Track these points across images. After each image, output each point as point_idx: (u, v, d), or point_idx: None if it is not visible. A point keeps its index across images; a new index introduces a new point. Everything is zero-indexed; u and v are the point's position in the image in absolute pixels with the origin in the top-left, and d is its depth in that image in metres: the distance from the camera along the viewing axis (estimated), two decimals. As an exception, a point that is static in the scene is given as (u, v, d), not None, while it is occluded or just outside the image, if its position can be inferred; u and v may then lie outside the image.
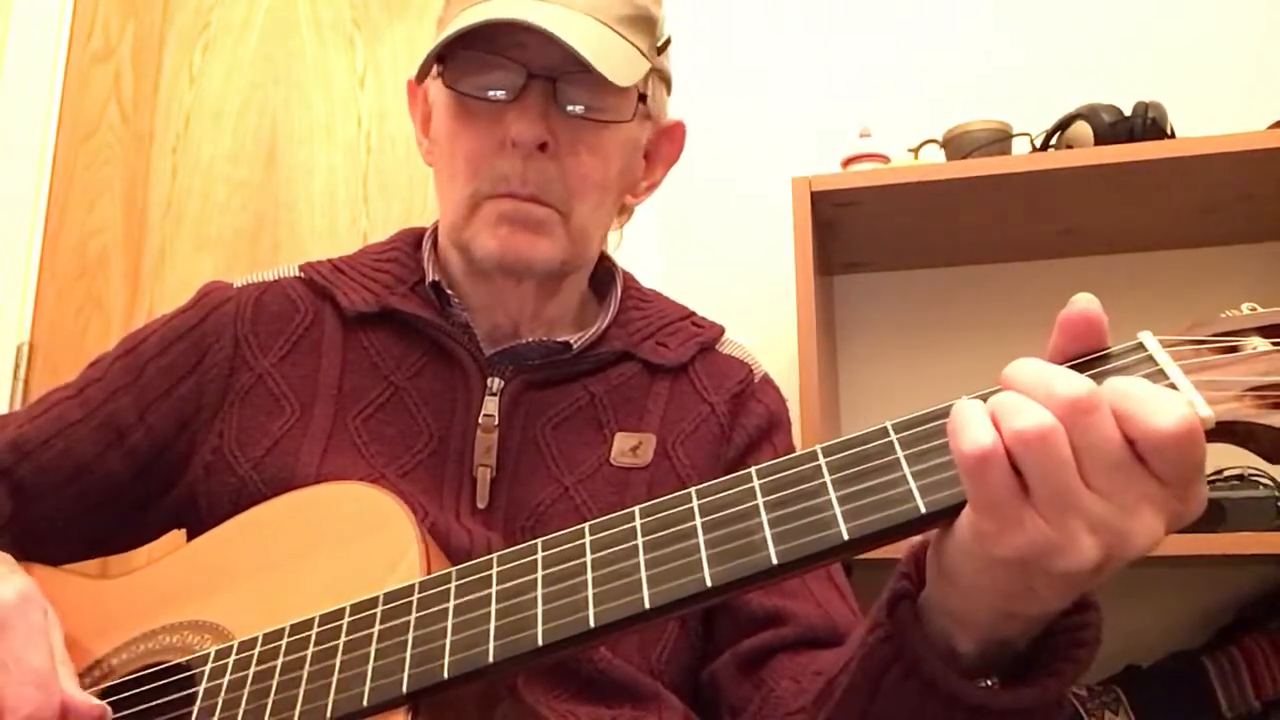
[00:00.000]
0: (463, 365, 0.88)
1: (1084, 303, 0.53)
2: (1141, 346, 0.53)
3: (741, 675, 0.82)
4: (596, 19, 0.83)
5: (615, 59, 0.82)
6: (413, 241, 0.97)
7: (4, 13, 2.06)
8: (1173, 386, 0.50)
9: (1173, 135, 1.40)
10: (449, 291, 0.90)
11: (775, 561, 0.53)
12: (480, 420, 0.86)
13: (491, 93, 0.84)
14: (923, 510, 0.52)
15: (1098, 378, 0.49)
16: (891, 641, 0.58)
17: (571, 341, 0.89)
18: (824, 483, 0.55)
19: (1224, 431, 0.49)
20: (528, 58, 0.82)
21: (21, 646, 0.64)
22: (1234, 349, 0.52)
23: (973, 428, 0.48)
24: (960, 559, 0.53)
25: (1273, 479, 1.30)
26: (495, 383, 0.87)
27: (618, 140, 0.88)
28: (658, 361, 0.91)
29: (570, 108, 0.84)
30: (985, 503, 0.49)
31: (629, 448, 0.87)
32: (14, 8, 2.07)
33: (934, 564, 0.56)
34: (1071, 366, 0.52)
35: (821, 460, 0.56)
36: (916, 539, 0.58)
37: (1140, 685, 1.40)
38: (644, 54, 0.86)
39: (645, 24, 0.87)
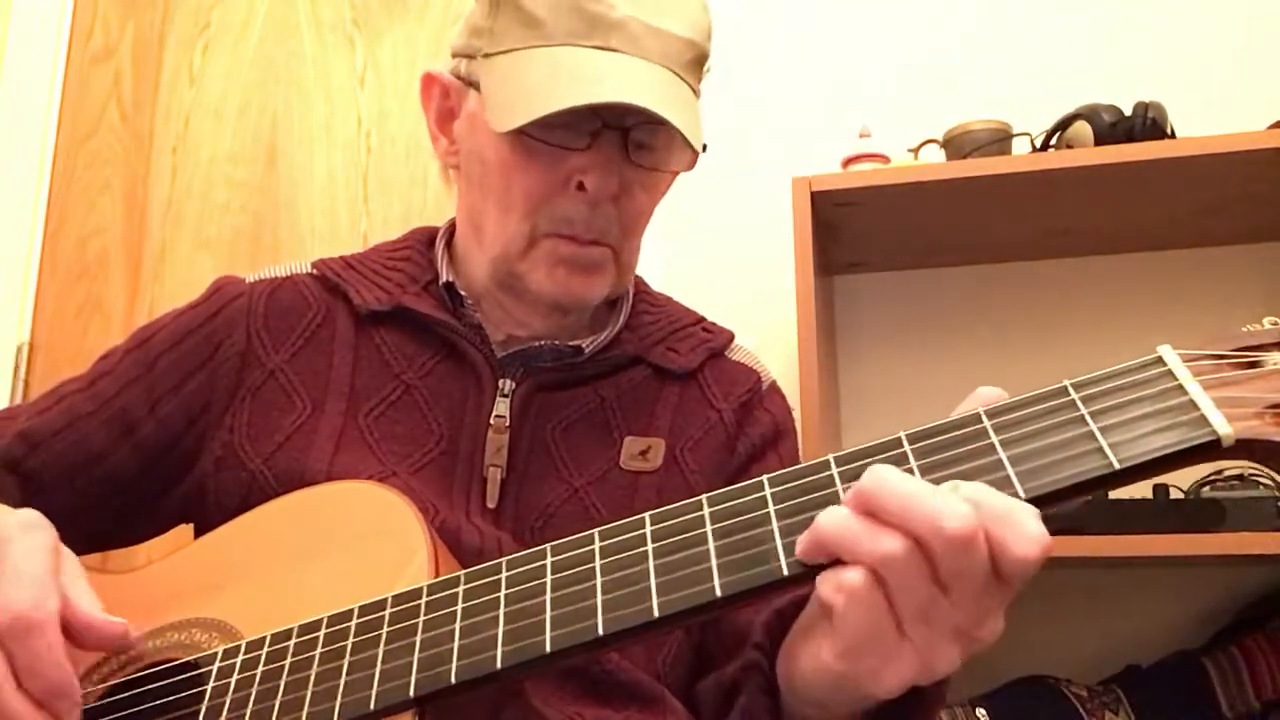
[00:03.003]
0: (474, 366, 0.88)
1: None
2: (1161, 361, 0.52)
3: (724, 705, 0.80)
4: (668, 68, 0.82)
5: (690, 116, 0.82)
6: (425, 241, 0.97)
7: (4, 13, 2.06)
8: (1192, 404, 0.50)
9: (1173, 135, 1.41)
10: (462, 293, 0.91)
11: (786, 573, 0.53)
12: (491, 421, 0.86)
13: (564, 142, 0.81)
14: None
15: (1115, 392, 0.49)
16: None
17: (583, 345, 0.90)
18: (836, 491, 0.54)
19: (1243, 448, 0.49)
20: (599, 104, 0.80)
21: (20, 559, 0.63)
22: (1255, 364, 0.52)
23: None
24: (827, 691, 0.58)
25: (1273, 479, 1.30)
26: (507, 384, 0.87)
27: (667, 178, 0.90)
28: (668, 367, 0.91)
29: (641, 160, 0.84)
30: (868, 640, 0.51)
31: (638, 451, 0.87)
32: (14, 8, 2.06)
33: (785, 685, 0.62)
34: (1091, 377, 0.52)
35: (834, 469, 0.55)
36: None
37: (1140, 685, 1.41)
38: (697, 93, 0.86)
39: (701, 62, 0.87)
